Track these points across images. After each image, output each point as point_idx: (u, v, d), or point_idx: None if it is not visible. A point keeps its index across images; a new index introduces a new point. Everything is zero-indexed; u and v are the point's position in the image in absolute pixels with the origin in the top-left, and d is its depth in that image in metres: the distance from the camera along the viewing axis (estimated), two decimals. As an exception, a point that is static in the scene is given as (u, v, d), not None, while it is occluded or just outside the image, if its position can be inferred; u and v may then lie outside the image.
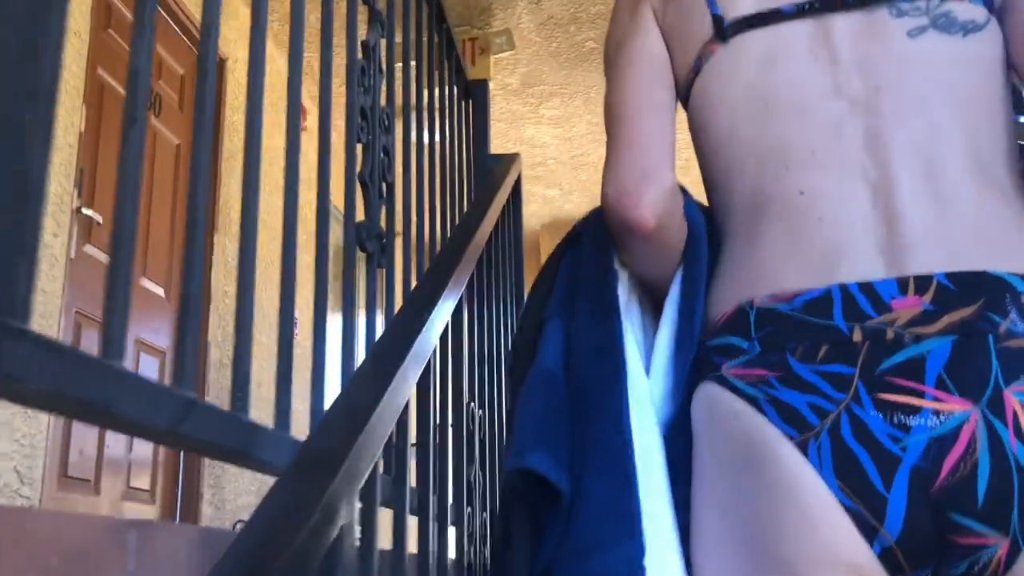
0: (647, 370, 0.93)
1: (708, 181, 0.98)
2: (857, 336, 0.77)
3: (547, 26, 4.68)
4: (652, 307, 1.01)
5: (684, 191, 0.99)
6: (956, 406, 0.72)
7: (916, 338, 0.75)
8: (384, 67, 1.38)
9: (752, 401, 0.79)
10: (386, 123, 1.36)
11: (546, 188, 6.75)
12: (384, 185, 1.37)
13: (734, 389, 0.81)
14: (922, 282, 0.77)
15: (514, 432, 0.92)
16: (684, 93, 0.99)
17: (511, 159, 2.17)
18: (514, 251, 2.13)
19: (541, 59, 4.99)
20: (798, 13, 0.91)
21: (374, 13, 1.36)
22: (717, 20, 0.94)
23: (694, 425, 0.86)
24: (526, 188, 6.86)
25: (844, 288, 0.79)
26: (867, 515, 0.73)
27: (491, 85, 5.32)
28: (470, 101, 2.26)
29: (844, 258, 0.81)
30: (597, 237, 1.02)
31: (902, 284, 0.77)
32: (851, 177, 0.84)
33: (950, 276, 0.77)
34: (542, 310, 1.03)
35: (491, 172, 2.08)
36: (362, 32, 1.36)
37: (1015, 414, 0.72)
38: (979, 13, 0.89)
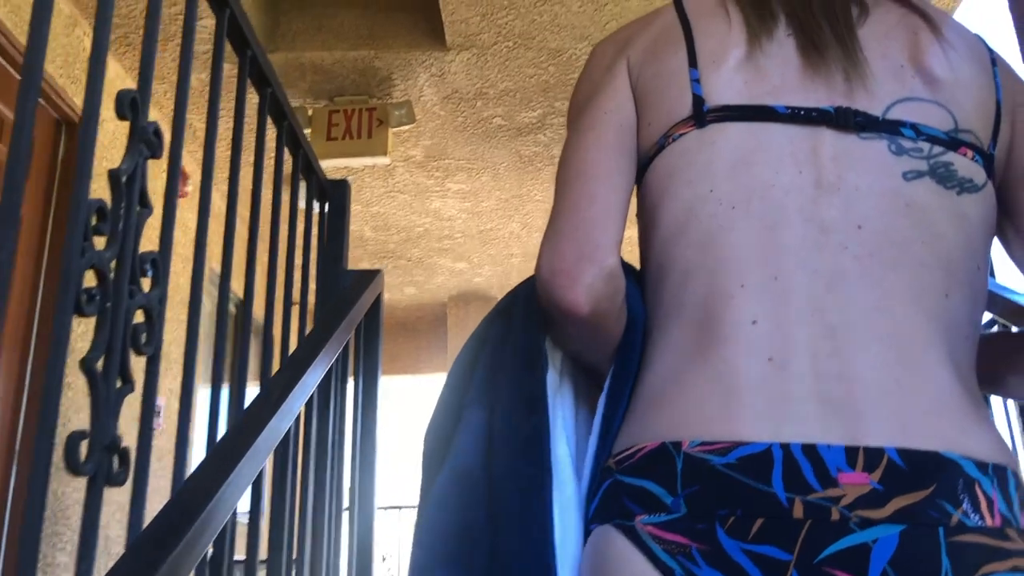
0: (578, 471, 0.82)
1: (646, 274, 0.86)
2: (798, 512, 0.67)
3: (452, 100, 4.43)
4: (588, 395, 0.89)
5: (629, 270, 0.87)
6: None
7: (862, 523, 0.66)
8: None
9: (667, 574, 0.68)
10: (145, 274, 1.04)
11: (454, 261, 6.46)
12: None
13: (649, 553, 0.70)
14: (872, 456, 0.68)
15: (418, 545, 0.80)
16: (640, 168, 0.87)
17: (370, 278, 1.86)
18: (367, 387, 1.81)
19: (446, 133, 4.73)
20: (790, 117, 0.80)
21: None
22: (697, 101, 0.83)
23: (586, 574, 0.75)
24: (435, 261, 6.60)
25: (787, 449, 0.68)
26: None
27: (394, 156, 5.04)
28: (325, 204, 1.95)
29: (790, 411, 0.70)
30: (527, 313, 0.88)
31: (851, 455, 0.68)
32: (812, 318, 0.74)
33: (902, 453, 0.68)
34: (461, 396, 0.89)
35: (343, 293, 1.76)
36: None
37: None
38: (978, 174, 0.81)
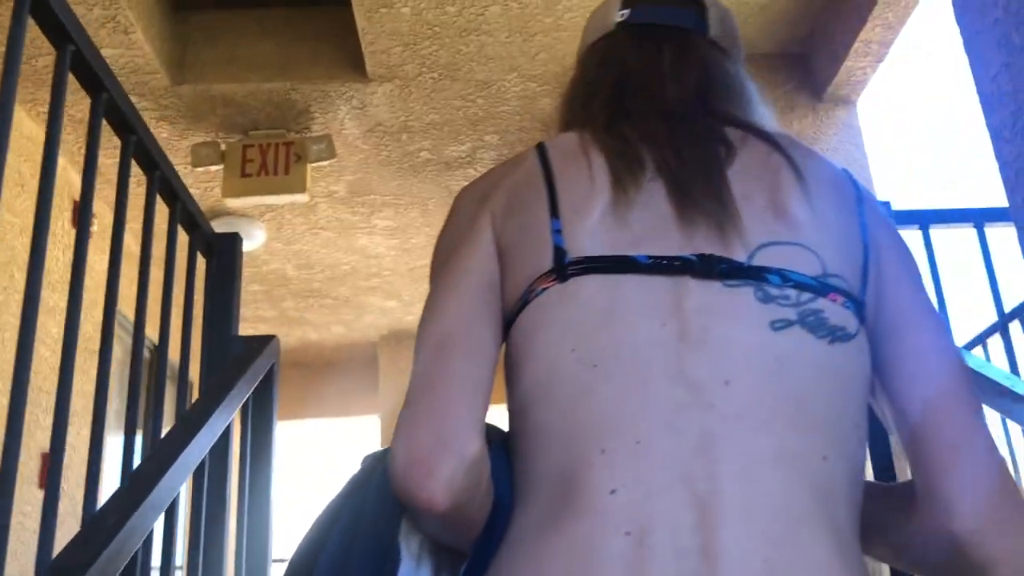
0: None
1: (511, 440, 0.79)
2: None
3: (375, 133, 4.20)
4: (451, 562, 0.80)
5: (492, 445, 0.76)
6: None
7: None
8: None
9: None
10: None
11: (384, 299, 6.20)
12: None
13: None
14: None
15: None
16: (505, 326, 0.81)
17: (263, 344, 1.61)
18: (255, 477, 1.55)
19: (370, 168, 4.49)
20: (653, 268, 0.75)
21: None
22: (559, 253, 0.78)
23: None
24: (363, 299, 6.32)
25: None
26: None
27: (316, 192, 4.78)
28: (212, 260, 1.70)
29: None
30: (381, 497, 0.78)
31: None
32: (676, 486, 0.67)
33: None
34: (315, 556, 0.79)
35: (228, 366, 1.51)
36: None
37: None
38: (850, 322, 0.76)
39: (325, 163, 4.10)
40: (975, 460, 0.72)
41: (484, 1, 3.39)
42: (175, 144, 4.17)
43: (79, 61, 1.27)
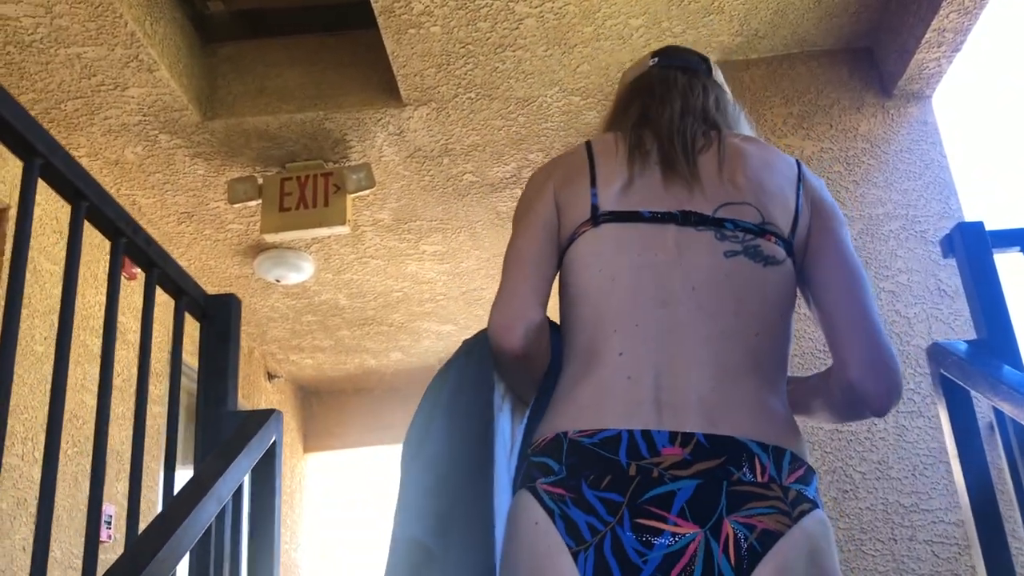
0: (510, 458, 1.18)
1: (562, 325, 1.21)
2: (632, 471, 1.02)
3: (415, 159, 4.03)
4: (519, 411, 1.23)
5: (553, 325, 1.22)
6: (688, 529, 0.98)
7: (673, 478, 1.01)
8: None
9: (550, 513, 1.03)
10: None
11: (440, 324, 6.03)
12: None
13: (540, 500, 1.05)
14: (686, 438, 1.04)
15: (400, 511, 1.16)
16: (560, 254, 1.24)
17: (262, 418, 1.43)
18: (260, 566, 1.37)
19: (413, 193, 4.33)
20: (651, 219, 1.18)
21: None
22: (594, 208, 1.20)
23: (508, 521, 1.09)
24: (419, 324, 6.17)
25: (631, 433, 1.04)
26: None
27: (361, 220, 4.64)
28: (206, 327, 1.52)
29: (637, 410, 1.06)
30: (482, 355, 1.22)
31: (672, 437, 1.04)
32: (658, 351, 1.10)
33: (707, 437, 1.04)
34: (431, 409, 1.23)
35: (225, 446, 1.33)
36: None
37: (727, 536, 0.98)
38: (779, 253, 1.18)
39: (365, 192, 3.94)
40: (861, 332, 1.12)
41: (518, 14, 3.19)
42: (211, 180, 4.07)
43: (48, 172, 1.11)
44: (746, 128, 1.34)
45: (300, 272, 4.89)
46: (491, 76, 3.50)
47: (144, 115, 3.56)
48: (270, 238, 4.03)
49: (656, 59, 1.40)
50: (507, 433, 1.19)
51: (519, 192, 4.40)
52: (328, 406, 7.22)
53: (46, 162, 1.12)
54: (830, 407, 1.19)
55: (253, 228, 4.46)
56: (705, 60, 1.41)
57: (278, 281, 4.91)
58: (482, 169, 4.15)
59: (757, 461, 1.02)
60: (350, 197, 3.92)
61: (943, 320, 3.01)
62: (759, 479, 1.01)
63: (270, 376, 6.34)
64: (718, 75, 1.41)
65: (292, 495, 6.66)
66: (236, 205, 4.03)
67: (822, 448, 2.93)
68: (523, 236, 1.22)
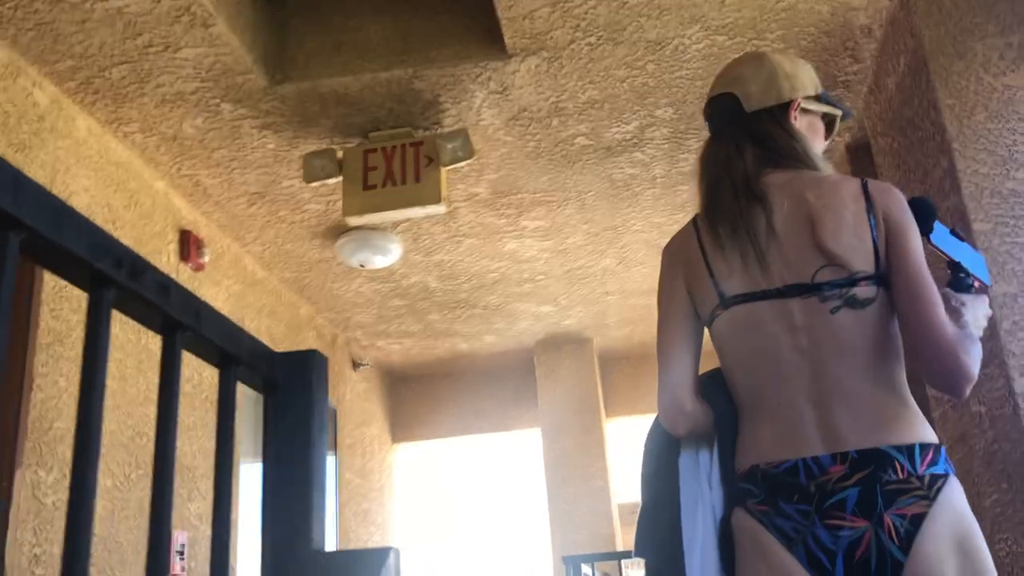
0: (710, 484, 1.47)
1: (727, 381, 1.50)
2: (811, 488, 1.31)
3: (519, 121, 3.39)
4: (706, 447, 1.52)
5: (706, 382, 1.52)
6: (861, 524, 1.27)
7: (841, 488, 1.29)
8: None
9: (762, 523, 1.33)
10: None
11: (538, 305, 5.42)
12: None
13: (753, 514, 1.35)
14: (843, 456, 1.31)
15: (638, 531, 1.56)
16: (706, 328, 1.51)
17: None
18: None
19: (515, 162, 3.69)
20: (769, 295, 1.41)
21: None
22: (721, 295, 1.45)
23: (734, 529, 1.39)
24: (515, 306, 5.57)
25: (804, 460, 1.33)
26: None
27: (453, 195, 4.04)
28: (270, 404, 0.93)
29: (803, 443, 1.34)
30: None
31: (833, 457, 1.31)
32: (804, 395, 1.37)
33: (859, 451, 1.30)
34: (655, 459, 1.59)
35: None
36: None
37: (889, 526, 1.26)
38: (872, 291, 1.38)
39: (463, 164, 3.32)
40: (924, 346, 1.36)
41: (656, -68, 2.50)
42: (284, 155, 3.50)
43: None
44: (808, 147, 1.53)
45: (387, 255, 4.32)
46: (617, 14, 2.83)
47: (202, 81, 2.99)
48: (355, 221, 3.46)
49: (707, 124, 1.63)
50: (702, 463, 1.51)
51: (639, 157, 3.66)
52: (417, 392, 6.70)
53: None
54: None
55: (334, 207, 3.89)
56: (733, 98, 1.55)
57: (362, 266, 4.35)
58: (598, 130, 3.48)
59: (897, 463, 1.30)
60: (445, 170, 3.31)
61: None
62: (901, 476, 1.29)
63: (355, 364, 5.83)
64: (755, 85, 1.55)
65: (382, 491, 6.18)
66: (313, 184, 3.47)
67: (1084, 486, 2.22)
68: (666, 328, 1.52)
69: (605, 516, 5.88)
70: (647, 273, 4.98)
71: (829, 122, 1.61)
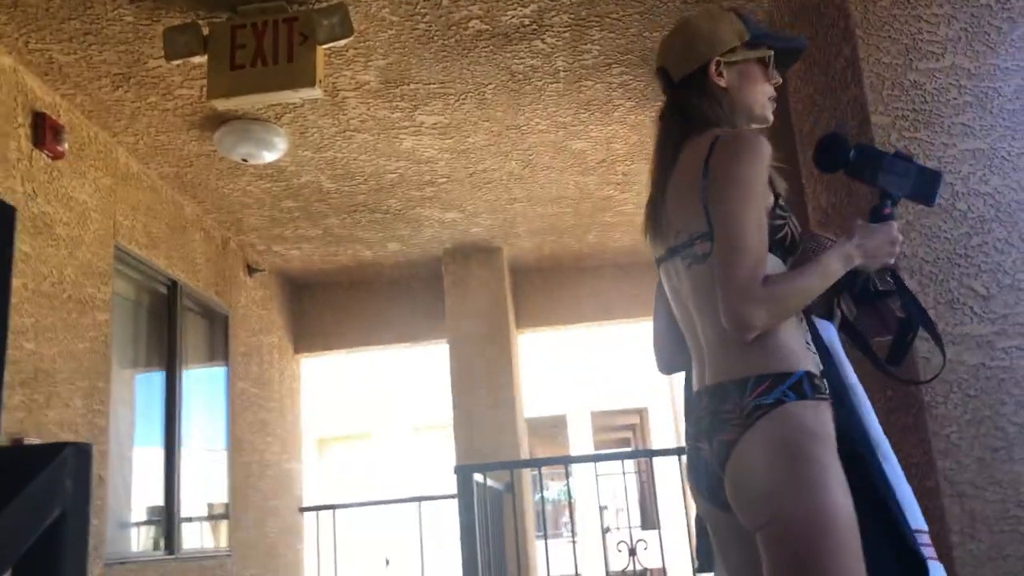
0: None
1: None
2: (696, 416, 1.53)
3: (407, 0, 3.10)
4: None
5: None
6: (704, 445, 1.48)
7: (702, 417, 1.51)
8: None
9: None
10: None
11: (443, 211, 5.20)
12: None
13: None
14: (703, 390, 1.50)
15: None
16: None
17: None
18: None
19: (405, 47, 3.41)
20: (662, 260, 1.60)
21: None
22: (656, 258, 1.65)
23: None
24: (418, 211, 5.29)
25: (697, 393, 1.54)
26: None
27: (341, 84, 3.74)
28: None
29: (697, 379, 1.55)
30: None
31: (700, 392, 1.52)
32: (693, 340, 1.56)
33: (708, 387, 1.49)
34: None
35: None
36: None
37: (715, 449, 1.44)
38: (708, 247, 1.48)
39: (341, 43, 3.04)
40: (720, 290, 1.43)
41: None
42: (145, 30, 3.16)
43: None
44: (720, 107, 1.58)
45: (272, 150, 4.03)
46: None
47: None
48: (221, 105, 3.16)
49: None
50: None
51: (539, 46, 3.34)
52: (321, 302, 6.46)
53: None
54: None
55: (205, 92, 3.57)
56: (664, 72, 1.64)
57: (245, 161, 4.05)
58: (493, 12, 3.22)
59: (730, 396, 1.44)
60: (321, 50, 3.02)
61: None
62: (728, 407, 1.44)
63: (250, 270, 5.55)
64: (672, 56, 1.63)
65: (282, 401, 5.98)
66: (179, 62, 3.15)
67: (963, 390, 2.13)
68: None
69: (510, 428, 5.80)
70: (555, 178, 4.78)
71: (773, 60, 1.60)
